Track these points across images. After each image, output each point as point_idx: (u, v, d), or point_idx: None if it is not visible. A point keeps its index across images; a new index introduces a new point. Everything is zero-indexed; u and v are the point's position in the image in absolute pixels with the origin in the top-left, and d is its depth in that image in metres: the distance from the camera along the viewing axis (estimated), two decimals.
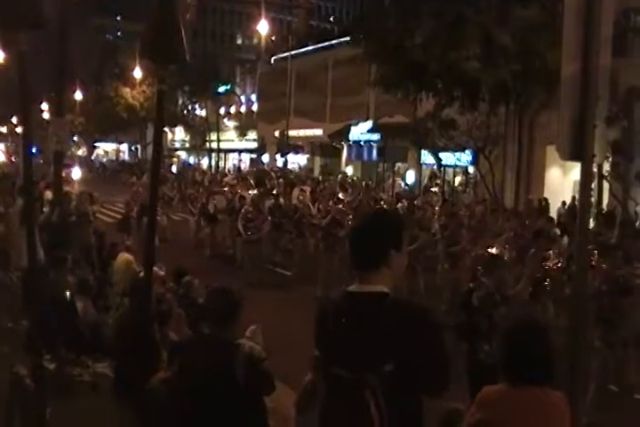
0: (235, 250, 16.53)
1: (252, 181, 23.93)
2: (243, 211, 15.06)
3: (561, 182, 21.68)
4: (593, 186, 19.88)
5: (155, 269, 8.05)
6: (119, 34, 71.68)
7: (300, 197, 17.61)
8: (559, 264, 9.91)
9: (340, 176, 29.75)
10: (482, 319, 6.54)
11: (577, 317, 4.80)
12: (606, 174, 18.15)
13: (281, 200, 17.74)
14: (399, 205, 17.86)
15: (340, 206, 15.06)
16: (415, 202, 17.98)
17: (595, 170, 18.56)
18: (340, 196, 19.69)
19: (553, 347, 3.45)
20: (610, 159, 17.92)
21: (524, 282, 8.78)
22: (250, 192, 19.33)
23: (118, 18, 74.23)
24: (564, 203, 20.04)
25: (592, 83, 4.62)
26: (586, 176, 4.78)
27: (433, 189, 24.65)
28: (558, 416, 3.38)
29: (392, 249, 2.91)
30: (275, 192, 20.09)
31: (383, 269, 2.89)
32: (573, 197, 20.12)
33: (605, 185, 18.51)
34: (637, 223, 15.79)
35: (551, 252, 10.22)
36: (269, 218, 15.31)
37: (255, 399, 4.12)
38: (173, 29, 4.54)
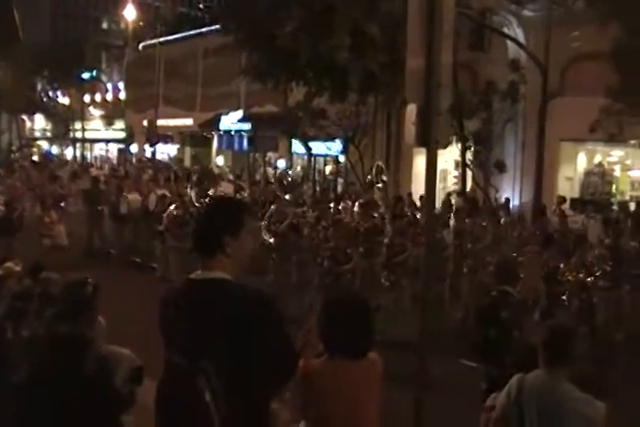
0: (155, 258, 14.34)
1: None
2: (172, 213, 12.83)
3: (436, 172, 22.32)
4: (457, 174, 20.82)
5: (10, 265, 7.59)
6: None
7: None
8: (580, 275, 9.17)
9: (278, 172, 27.77)
10: (513, 331, 5.75)
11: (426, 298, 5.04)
12: (469, 163, 18.94)
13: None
14: (341, 205, 15.68)
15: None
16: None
17: (459, 158, 19.46)
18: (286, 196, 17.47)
19: (371, 320, 3.55)
20: (472, 148, 18.76)
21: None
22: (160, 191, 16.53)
23: None
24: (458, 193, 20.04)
25: (435, 75, 4.87)
26: (431, 160, 5.09)
27: (378, 186, 22.23)
28: (374, 380, 3.53)
29: (227, 236, 2.89)
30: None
31: (220, 257, 2.88)
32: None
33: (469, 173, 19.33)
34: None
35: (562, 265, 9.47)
36: None
37: (107, 397, 3.96)
38: (3, 6, 4.21)
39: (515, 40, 19.14)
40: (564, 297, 9.16)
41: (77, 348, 3.77)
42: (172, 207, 13.20)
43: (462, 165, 19.09)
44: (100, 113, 46.27)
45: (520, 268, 9.57)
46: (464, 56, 19.17)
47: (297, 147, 26.75)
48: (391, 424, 4.00)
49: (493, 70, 19.23)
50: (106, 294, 4.48)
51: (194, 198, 14.61)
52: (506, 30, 19.71)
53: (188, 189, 18.40)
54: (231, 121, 31.86)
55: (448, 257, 11.49)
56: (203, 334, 2.73)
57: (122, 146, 45.12)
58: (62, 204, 17.05)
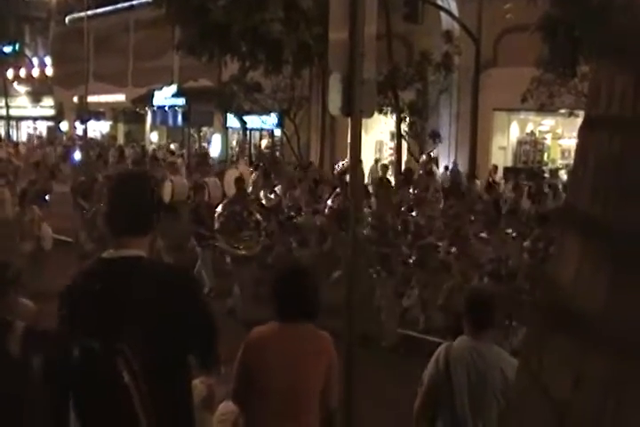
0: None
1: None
2: (224, 211, 9.62)
3: (363, 142, 22.42)
4: (392, 145, 20.95)
5: None
6: None
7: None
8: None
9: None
10: None
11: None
12: (404, 134, 19.09)
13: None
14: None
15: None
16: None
17: (394, 129, 19.58)
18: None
19: (316, 289, 3.79)
20: (407, 119, 18.89)
21: None
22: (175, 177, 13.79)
23: None
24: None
25: (358, 45, 4.87)
26: (355, 130, 5.08)
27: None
28: (320, 355, 3.66)
29: (159, 212, 2.87)
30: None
31: (149, 233, 2.82)
32: (376, 160, 20.92)
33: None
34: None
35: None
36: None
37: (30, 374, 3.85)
38: None
39: (448, 12, 19.25)
40: None
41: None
42: (226, 202, 10.11)
43: (397, 135, 19.22)
44: (26, 89, 44.67)
45: None
46: (399, 28, 19.24)
47: (232, 121, 26.48)
48: None
49: (428, 41, 19.33)
50: None
51: (261, 194, 11.90)
52: (439, 2, 19.79)
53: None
54: (165, 96, 31.24)
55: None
56: (121, 315, 2.64)
57: (51, 123, 43.78)
58: (47, 197, 13.67)
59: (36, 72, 43.63)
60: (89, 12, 33.23)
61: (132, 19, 34.63)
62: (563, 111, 15.98)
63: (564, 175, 18.61)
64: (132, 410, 2.54)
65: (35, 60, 43.87)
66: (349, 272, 5.23)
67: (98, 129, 38.97)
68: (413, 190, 13.67)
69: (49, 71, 42.81)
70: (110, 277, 2.71)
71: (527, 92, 14.83)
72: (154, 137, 34.17)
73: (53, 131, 42.60)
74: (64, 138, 38.29)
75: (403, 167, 18.45)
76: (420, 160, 18.71)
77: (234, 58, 20.77)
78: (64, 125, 41.17)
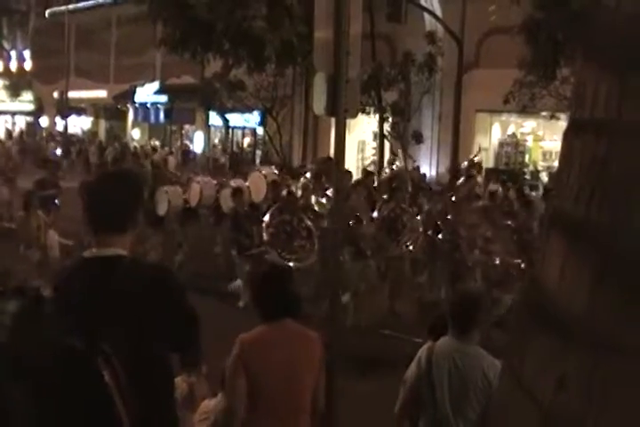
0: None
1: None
2: (272, 221, 8.97)
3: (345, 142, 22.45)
4: (375, 145, 20.98)
5: None
6: None
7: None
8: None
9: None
10: None
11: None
12: (387, 134, 19.12)
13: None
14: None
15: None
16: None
17: (377, 130, 19.61)
18: None
19: (294, 286, 3.85)
20: (390, 120, 18.94)
21: None
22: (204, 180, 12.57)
23: None
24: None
25: (343, 44, 4.88)
26: (339, 129, 5.08)
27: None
28: (311, 354, 3.66)
29: (140, 209, 2.87)
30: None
31: (131, 231, 2.79)
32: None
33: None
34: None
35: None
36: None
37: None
38: None
39: (431, 13, 19.30)
40: None
41: None
42: (274, 210, 9.25)
43: (380, 136, 19.25)
44: (4, 83, 44.16)
45: None
46: (382, 28, 19.26)
47: (214, 119, 26.39)
48: None
49: (411, 42, 19.37)
50: None
51: (313, 199, 10.47)
52: (423, 2, 19.84)
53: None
54: (147, 93, 31.09)
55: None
56: (102, 315, 2.61)
57: (30, 119, 43.33)
58: (56, 201, 12.26)
59: (14, 66, 43.15)
60: (70, 6, 32.98)
61: (115, 14, 34.33)
62: (544, 114, 16.07)
63: (545, 177, 18.76)
64: (114, 410, 2.51)
65: (13, 54, 43.39)
66: (333, 279, 5.23)
67: (79, 125, 38.67)
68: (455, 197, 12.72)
69: (28, 65, 42.35)
70: (91, 277, 2.69)
71: (509, 94, 14.90)
72: (135, 134, 33.97)
73: (32, 126, 42.17)
74: (43, 133, 37.95)
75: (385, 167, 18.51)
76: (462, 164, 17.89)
77: (216, 55, 20.68)
78: (44, 121, 40.79)
